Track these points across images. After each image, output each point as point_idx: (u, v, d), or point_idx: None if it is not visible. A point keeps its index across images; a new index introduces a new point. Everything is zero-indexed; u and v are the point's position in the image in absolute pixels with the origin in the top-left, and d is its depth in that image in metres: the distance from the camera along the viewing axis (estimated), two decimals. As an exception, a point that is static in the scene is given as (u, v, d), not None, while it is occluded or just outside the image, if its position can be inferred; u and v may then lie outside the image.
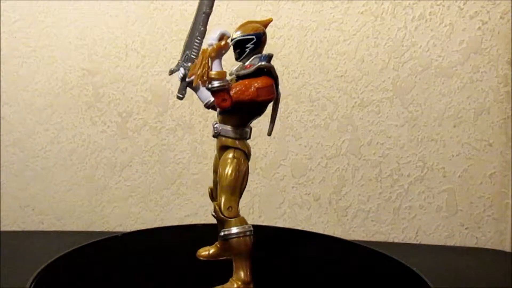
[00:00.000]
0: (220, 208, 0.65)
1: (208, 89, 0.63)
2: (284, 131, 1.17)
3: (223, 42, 0.63)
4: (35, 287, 0.65)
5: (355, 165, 1.17)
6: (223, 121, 0.67)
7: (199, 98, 0.70)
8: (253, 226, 0.68)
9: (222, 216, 0.64)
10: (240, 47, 0.65)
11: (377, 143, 1.16)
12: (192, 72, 0.67)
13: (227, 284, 0.64)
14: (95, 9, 1.19)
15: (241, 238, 0.64)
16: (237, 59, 0.67)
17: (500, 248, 1.15)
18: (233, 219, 0.64)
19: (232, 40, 0.65)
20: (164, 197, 1.22)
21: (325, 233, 1.14)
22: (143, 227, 1.17)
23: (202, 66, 0.62)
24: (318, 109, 1.16)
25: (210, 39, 0.64)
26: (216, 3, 1.20)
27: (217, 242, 0.76)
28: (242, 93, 0.63)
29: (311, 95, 1.16)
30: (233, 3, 1.15)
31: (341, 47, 1.15)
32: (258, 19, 0.72)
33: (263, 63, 0.64)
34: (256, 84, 0.63)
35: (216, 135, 0.68)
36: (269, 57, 0.65)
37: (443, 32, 1.12)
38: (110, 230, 1.23)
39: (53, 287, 0.67)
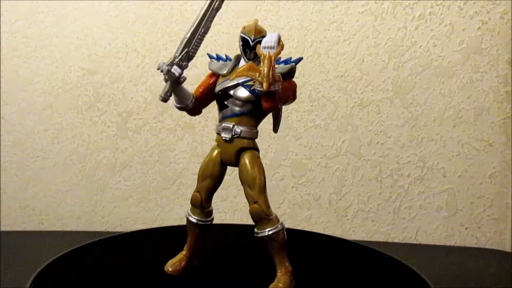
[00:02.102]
0: (263, 209, 0.66)
1: (267, 92, 0.62)
2: (284, 131, 1.17)
3: (282, 44, 0.63)
4: (35, 287, 0.65)
5: (355, 165, 1.17)
6: (241, 122, 0.67)
7: (179, 98, 0.67)
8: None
9: (266, 217, 0.66)
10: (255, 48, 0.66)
11: (377, 143, 1.16)
12: (248, 74, 0.66)
13: (276, 283, 0.67)
14: (95, 9, 1.19)
15: (283, 233, 0.67)
16: (251, 59, 0.67)
17: (500, 248, 1.15)
18: (274, 217, 0.67)
19: (255, 41, 0.66)
20: (164, 197, 1.22)
21: (325, 233, 1.14)
22: (143, 227, 1.17)
23: (271, 70, 0.61)
24: (318, 109, 1.16)
25: (271, 42, 0.63)
26: (216, 3, 1.20)
27: (182, 252, 0.73)
28: (285, 95, 0.65)
29: (311, 95, 1.16)
30: (233, 3, 1.15)
31: (341, 47, 1.15)
32: (258, 19, 0.72)
33: (293, 64, 0.66)
34: (290, 85, 0.66)
35: (234, 137, 0.67)
36: (300, 60, 0.67)
37: (443, 32, 1.12)
38: (110, 230, 1.23)
39: (53, 287, 0.67)
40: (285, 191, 1.19)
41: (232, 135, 0.67)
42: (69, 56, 1.20)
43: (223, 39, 1.16)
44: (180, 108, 0.69)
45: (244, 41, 0.68)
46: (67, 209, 1.24)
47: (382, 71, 1.14)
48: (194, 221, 0.72)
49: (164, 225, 1.21)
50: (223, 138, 0.67)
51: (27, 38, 1.21)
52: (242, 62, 0.69)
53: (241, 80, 0.67)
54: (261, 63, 0.62)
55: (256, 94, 0.65)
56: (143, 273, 0.72)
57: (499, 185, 1.15)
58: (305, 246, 0.86)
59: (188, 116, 1.20)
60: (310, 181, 1.18)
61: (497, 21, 1.11)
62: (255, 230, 0.67)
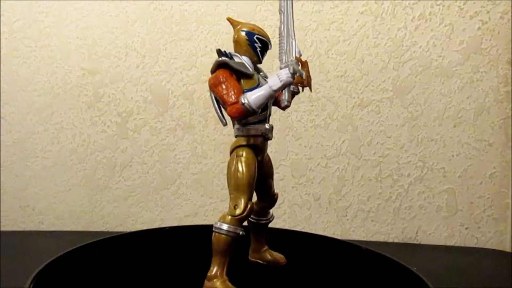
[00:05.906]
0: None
1: (297, 92, 0.65)
2: (284, 131, 1.17)
3: None
4: (35, 287, 0.65)
5: (355, 165, 1.17)
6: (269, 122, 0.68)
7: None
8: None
9: None
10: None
11: (377, 143, 1.16)
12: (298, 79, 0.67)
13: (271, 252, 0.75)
14: (95, 9, 1.19)
15: None
16: (260, 61, 0.69)
17: (500, 248, 1.15)
18: None
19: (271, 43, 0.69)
20: (164, 197, 1.22)
21: (325, 233, 1.14)
22: (143, 227, 1.17)
23: (309, 74, 0.64)
24: (318, 109, 1.16)
25: (300, 51, 0.67)
26: (216, 3, 1.21)
27: (224, 277, 0.63)
28: None
29: (311, 95, 1.16)
30: (233, 3, 1.15)
31: (341, 47, 1.15)
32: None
33: None
34: None
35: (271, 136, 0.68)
36: None
37: (443, 32, 1.12)
38: (110, 230, 1.23)
39: (53, 287, 0.67)
40: (285, 191, 1.19)
41: (271, 135, 0.68)
42: (69, 56, 1.20)
43: (223, 39, 1.16)
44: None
45: (263, 44, 0.67)
46: (67, 209, 1.24)
47: (382, 71, 1.14)
48: (241, 233, 0.63)
49: (164, 225, 1.21)
50: (269, 138, 0.67)
51: (27, 38, 1.21)
52: (248, 62, 0.67)
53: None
54: (304, 68, 0.63)
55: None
56: (143, 273, 0.72)
57: (499, 185, 1.15)
58: (305, 246, 0.86)
59: (188, 116, 1.21)
60: (310, 181, 1.18)
61: (497, 21, 1.11)
62: (264, 217, 0.74)
